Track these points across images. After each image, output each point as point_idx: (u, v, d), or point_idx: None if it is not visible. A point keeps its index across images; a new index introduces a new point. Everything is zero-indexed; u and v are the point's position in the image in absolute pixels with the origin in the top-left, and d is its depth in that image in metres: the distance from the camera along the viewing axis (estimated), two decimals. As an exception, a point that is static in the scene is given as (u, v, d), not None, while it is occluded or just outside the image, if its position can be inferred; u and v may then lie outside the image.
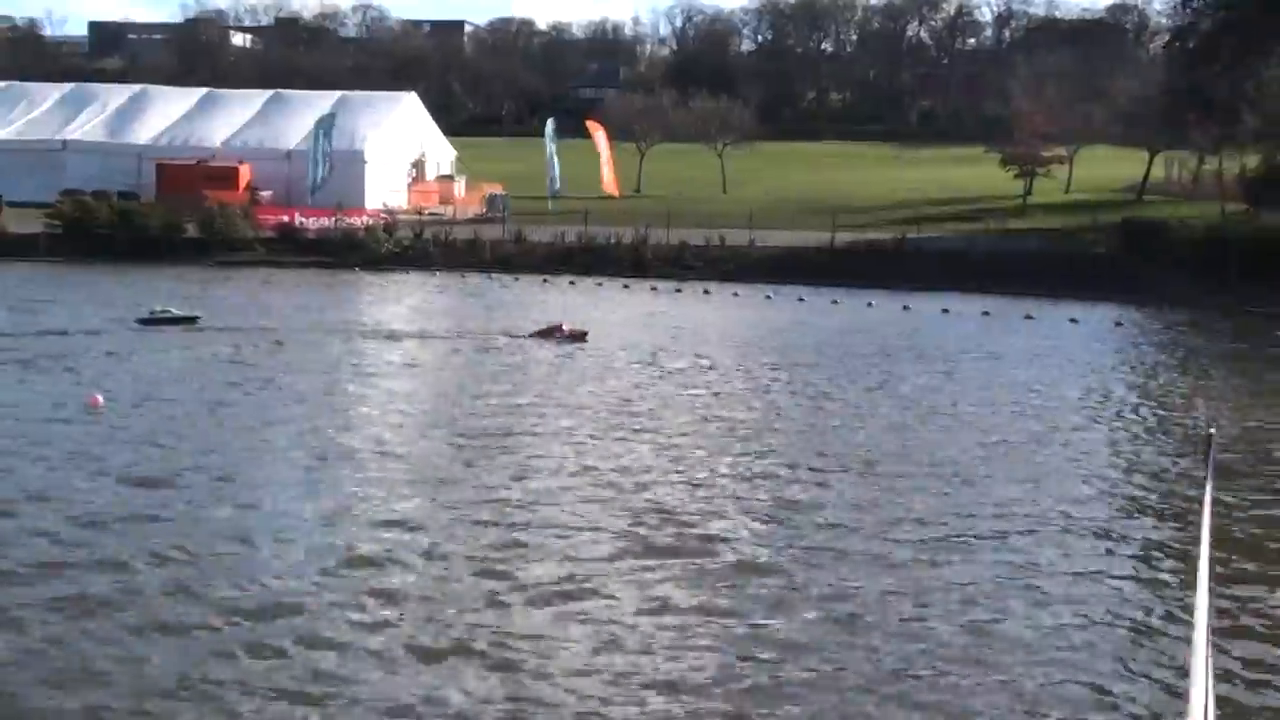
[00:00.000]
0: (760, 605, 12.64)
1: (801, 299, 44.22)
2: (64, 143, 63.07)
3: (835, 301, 43.50)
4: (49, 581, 12.57)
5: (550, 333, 30.67)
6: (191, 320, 32.66)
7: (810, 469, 18.64)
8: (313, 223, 54.78)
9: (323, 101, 65.41)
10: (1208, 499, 5.68)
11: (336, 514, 15.44)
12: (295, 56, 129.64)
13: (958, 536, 15.28)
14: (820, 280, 47.93)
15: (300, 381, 25.15)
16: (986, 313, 40.97)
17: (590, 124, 75.38)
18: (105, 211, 51.86)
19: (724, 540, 14.81)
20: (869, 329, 36.80)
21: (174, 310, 33.26)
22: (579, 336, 30.21)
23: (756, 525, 15.62)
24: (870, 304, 42.98)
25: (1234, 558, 14.45)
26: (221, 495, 16.15)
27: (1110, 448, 21.21)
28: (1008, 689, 10.87)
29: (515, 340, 30.79)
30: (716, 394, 25.10)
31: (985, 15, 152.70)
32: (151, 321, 32.24)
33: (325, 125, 60.08)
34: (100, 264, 47.85)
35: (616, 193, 71.40)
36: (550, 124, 72.02)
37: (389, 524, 15.03)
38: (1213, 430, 5.89)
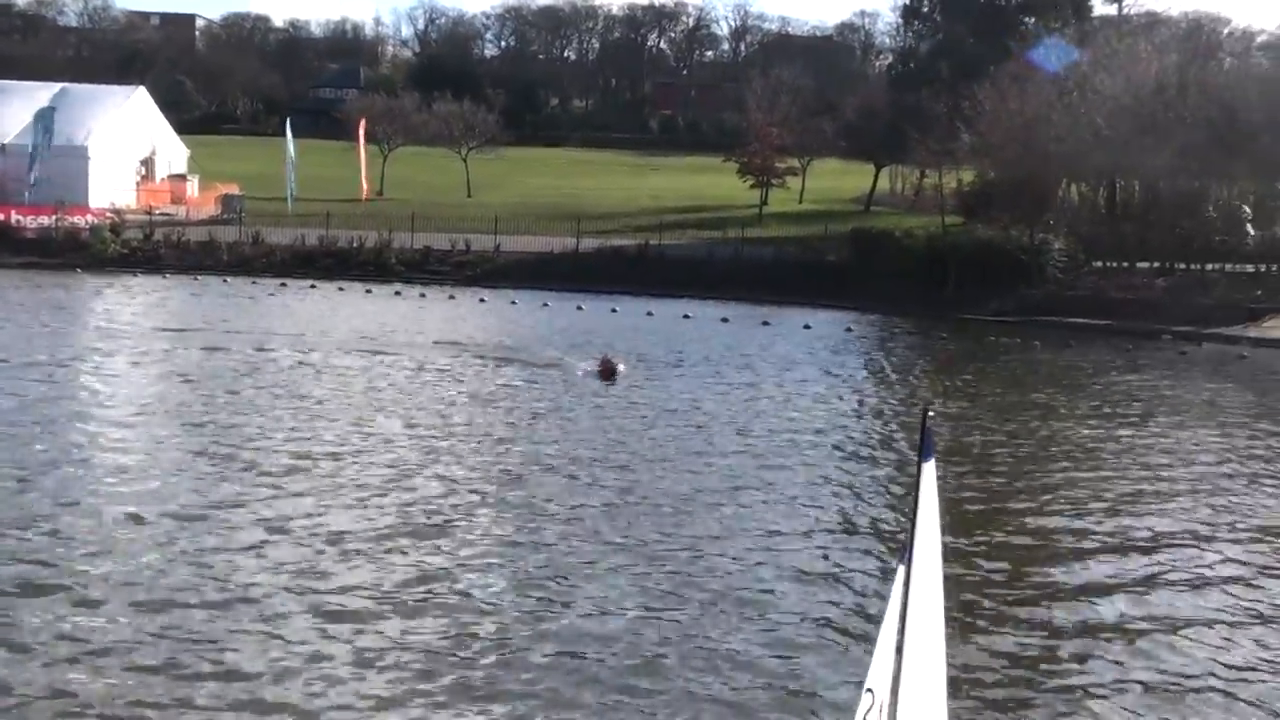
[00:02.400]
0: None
1: (546, 304, 44.55)
2: None
3: (580, 307, 44.01)
4: None
5: (605, 364, 28.09)
6: None
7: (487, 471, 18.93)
8: (31, 221, 51.69)
9: (41, 93, 61.57)
10: (926, 473, 6.04)
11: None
12: (8, 45, 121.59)
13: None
14: (565, 285, 48.44)
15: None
16: (726, 319, 42.32)
17: (362, 126, 73.87)
18: None
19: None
20: (612, 333, 37.43)
21: None
22: (609, 374, 27.58)
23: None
24: (614, 309, 43.71)
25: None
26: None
27: (832, 437, 22.37)
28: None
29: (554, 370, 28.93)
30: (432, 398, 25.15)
31: (722, 29, 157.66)
32: None
33: (45, 118, 56.67)
34: None
35: (366, 195, 70.32)
36: (289, 124, 70.22)
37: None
38: (930, 411, 6.28)
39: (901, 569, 6.11)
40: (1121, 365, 35.92)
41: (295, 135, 68.62)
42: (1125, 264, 49.55)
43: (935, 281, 47.45)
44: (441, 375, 28.09)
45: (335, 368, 28.47)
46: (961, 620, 12.65)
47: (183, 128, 76.58)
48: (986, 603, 13.74)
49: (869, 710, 6.13)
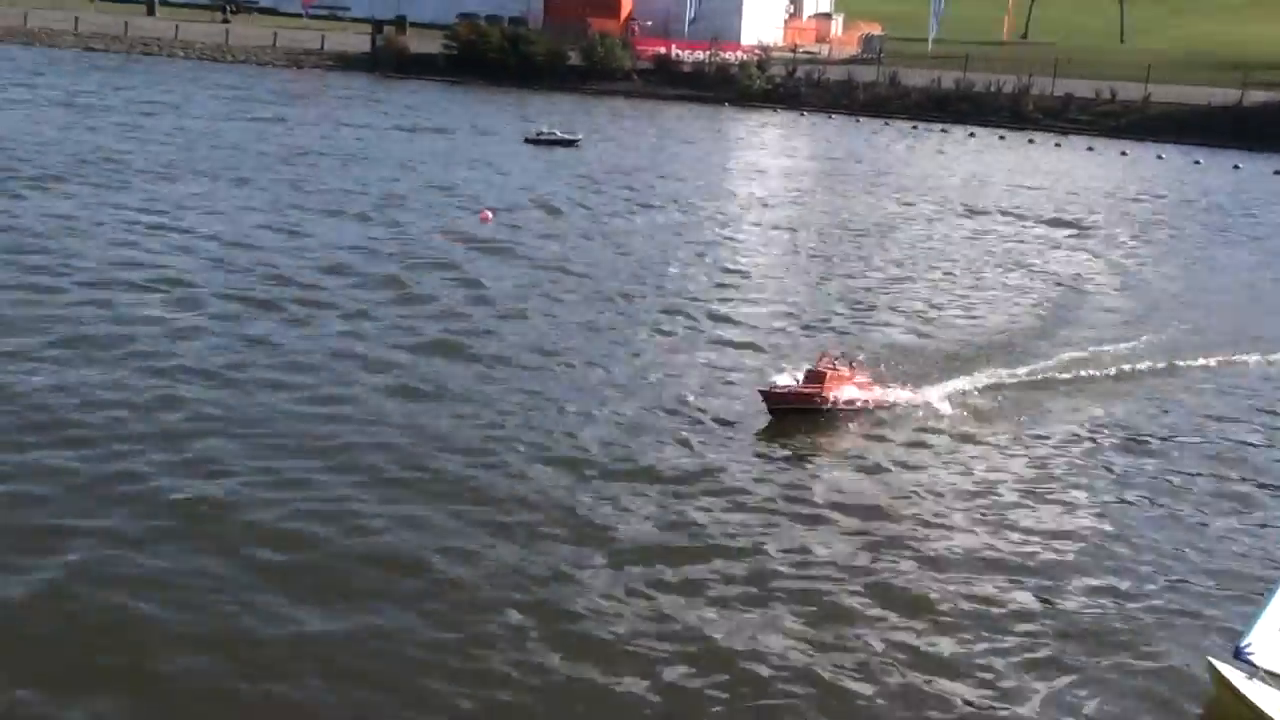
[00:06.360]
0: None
1: (1197, 161, 40.84)
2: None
3: (1237, 166, 39.90)
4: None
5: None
6: (573, 143, 34.41)
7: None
8: (688, 55, 55.02)
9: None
10: None
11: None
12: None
13: None
14: (1221, 142, 44.12)
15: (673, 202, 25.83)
16: None
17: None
18: (496, 37, 54.08)
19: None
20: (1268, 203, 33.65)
21: (558, 132, 35.04)
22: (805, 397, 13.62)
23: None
24: (1277, 171, 39.18)
25: None
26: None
27: None
28: None
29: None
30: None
31: None
32: (537, 142, 34.32)
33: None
34: (490, 85, 50.35)
35: (1007, 35, 67.80)
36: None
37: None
38: None
39: None
40: None
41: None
42: None
43: None
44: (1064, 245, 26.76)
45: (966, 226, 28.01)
46: None
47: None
48: None
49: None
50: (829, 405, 13.42)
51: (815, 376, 13.49)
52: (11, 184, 22.73)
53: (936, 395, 14.04)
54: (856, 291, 19.60)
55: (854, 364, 14.11)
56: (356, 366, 13.88)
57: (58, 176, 23.84)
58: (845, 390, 13.57)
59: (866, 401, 13.75)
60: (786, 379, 13.66)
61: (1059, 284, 21.05)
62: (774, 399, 13.26)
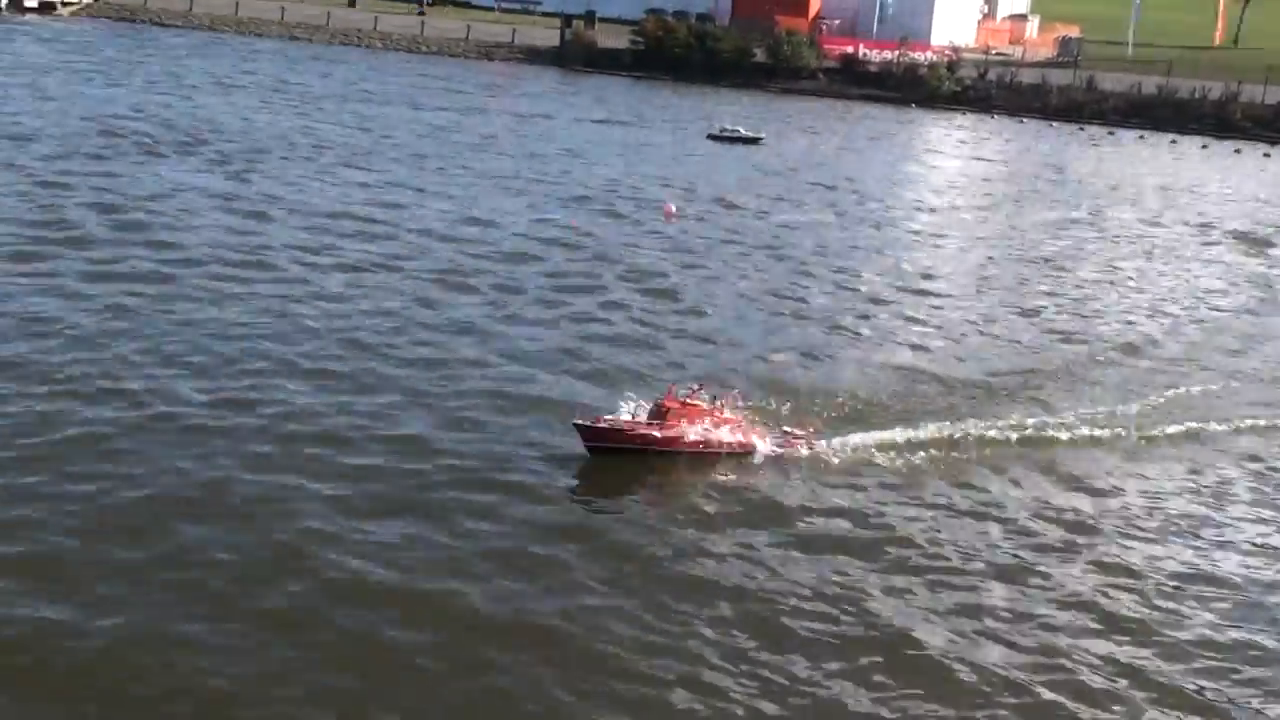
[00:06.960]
0: None
1: None
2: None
3: None
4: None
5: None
6: (755, 141, 34.30)
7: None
8: (876, 55, 53.99)
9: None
10: None
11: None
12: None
13: None
14: None
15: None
16: None
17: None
18: (683, 33, 54.12)
19: None
20: None
21: (741, 130, 34.99)
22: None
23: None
24: None
25: None
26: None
27: None
28: None
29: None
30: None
31: None
32: (720, 138, 34.32)
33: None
34: (675, 81, 50.36)
35: (1219, 41, 64.67)
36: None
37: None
38: None
39: None
40: None
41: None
42: None
43: None
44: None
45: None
46: None
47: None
48: None
49: None
50: (664, 447, 11.57)
51: (659, 412, 11.69)
52: (230, 165, 23.82)
53: (830, 445, 12.30)
54: (1008, 309, 19.11)
55: (720, 399, 12.14)
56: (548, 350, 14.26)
57: (262, 159, 24.81)
58: (692, 430, 11.72)
59: (721, 444, 11.83)
60: (626, 414, 11.86)
61: (1177, 311, 19.97)
62: (591, 435, 11.36)
